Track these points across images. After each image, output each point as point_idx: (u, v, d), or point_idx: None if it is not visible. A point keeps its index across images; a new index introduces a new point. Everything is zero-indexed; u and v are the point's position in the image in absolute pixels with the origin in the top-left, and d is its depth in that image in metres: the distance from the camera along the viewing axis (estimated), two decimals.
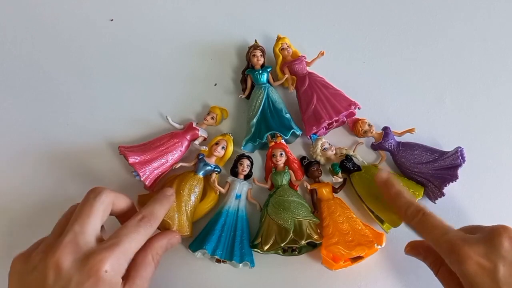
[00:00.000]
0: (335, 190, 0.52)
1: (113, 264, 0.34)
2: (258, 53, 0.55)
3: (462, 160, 0.49)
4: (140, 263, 0.38)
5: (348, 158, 0.52)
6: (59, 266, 0.33)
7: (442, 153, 0.51)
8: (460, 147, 0.50)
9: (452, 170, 0.49)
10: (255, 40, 0.57)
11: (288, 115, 0.53)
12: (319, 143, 0.52)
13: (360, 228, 0.48)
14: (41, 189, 0.53)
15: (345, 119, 0.55)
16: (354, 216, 0.49)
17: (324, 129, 0.54)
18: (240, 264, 0.47)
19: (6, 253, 0.50)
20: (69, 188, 0.53)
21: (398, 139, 0.53)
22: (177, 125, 0.55)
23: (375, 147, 0.53)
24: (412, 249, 0.44)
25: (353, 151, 0.53)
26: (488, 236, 0.36)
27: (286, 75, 0.55)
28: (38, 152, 0.55)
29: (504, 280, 0.32)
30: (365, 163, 0.53)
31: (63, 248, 0.34)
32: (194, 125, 0.54)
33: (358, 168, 0.52)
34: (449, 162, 0.49)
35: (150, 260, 0.38)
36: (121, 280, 0.35)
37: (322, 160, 0.53)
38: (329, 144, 0.53)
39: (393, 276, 0.49)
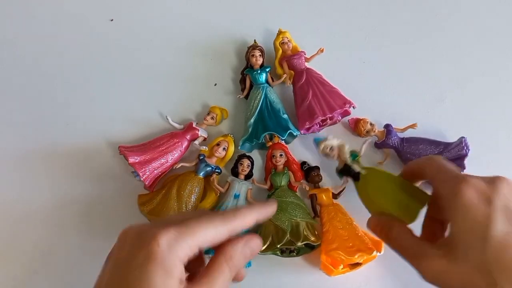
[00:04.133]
0: (334, 196, 0.51)
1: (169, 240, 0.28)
2: (257, 53, 0.55)
3: (467, 150, 0.49)
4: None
5: (346, 167, 0.47)
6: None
7: (447, 145, 0.50)
8: (464, 137, 0.50)
9: (458, 161, 0.49)
10: (254, 40, 0.57)
11: (285, 116, 0.53)
12: (322, 146, 0.49)
13: (360, 234, 0.48)
14: (41, 189, 0.53)
15: (340, 118, 0.54)
16: (354, 222, 0.49)
17: (318, 126, 0.54)
18: None
19: (5, 252, 0.51)
20: (69, 188, 0.53)
21: (401, 135, 0.53)
22: (177, 125, 0.55)
23: (379, 145, 0.53)
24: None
25: (361, 153, 0.50)
26: (489, 178, 0.35)
27: (285, 75, 0.55)
28: (38, 152, 0.55)
29: (499, 207, 0.32)
30: (363, 172, 0.46)
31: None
32: (194, 125, 0.54)
33: (357, 177, 0.46)
34: (455, 153, 0.49)
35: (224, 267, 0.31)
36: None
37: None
38: (331, 148, 0.48)
39: (393, 277, 0.49)
